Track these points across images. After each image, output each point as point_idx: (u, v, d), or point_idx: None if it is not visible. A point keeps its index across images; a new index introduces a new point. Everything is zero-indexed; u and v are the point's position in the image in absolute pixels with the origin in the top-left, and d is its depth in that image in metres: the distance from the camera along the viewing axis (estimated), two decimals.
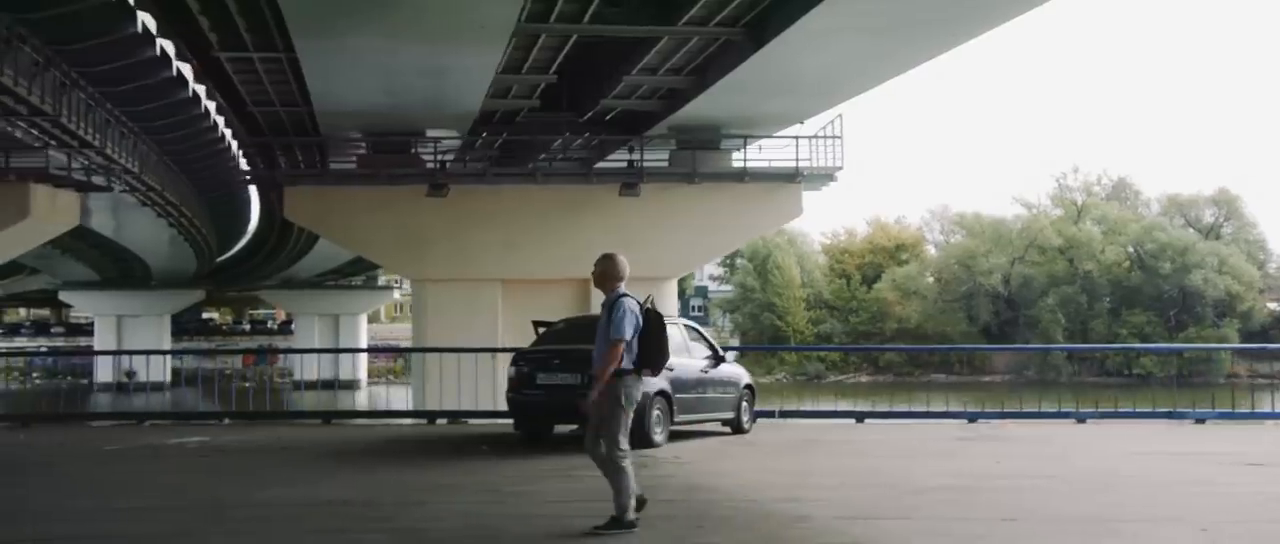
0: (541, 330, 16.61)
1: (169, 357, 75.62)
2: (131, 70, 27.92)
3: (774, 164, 27.68)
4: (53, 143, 27.81)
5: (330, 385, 71.51)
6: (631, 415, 8.18)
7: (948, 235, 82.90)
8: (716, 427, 14.98)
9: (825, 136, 26.89)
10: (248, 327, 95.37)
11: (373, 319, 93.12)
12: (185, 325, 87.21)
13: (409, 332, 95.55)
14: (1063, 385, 55.70)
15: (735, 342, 72.29)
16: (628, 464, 7.94)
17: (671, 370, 13.91)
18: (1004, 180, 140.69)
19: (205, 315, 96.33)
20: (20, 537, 8.22)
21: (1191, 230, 74.59)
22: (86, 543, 8.10)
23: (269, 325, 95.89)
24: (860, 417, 17.19)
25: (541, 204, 27.57)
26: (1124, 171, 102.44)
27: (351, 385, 76.59)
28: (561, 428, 14.36)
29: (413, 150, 28.05)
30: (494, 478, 11.06)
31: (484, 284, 27.36)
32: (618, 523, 7.88)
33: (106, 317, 77.15)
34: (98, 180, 28.72)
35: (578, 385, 13.49)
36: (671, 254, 28.20)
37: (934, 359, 66.47)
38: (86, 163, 28.19)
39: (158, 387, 76.16)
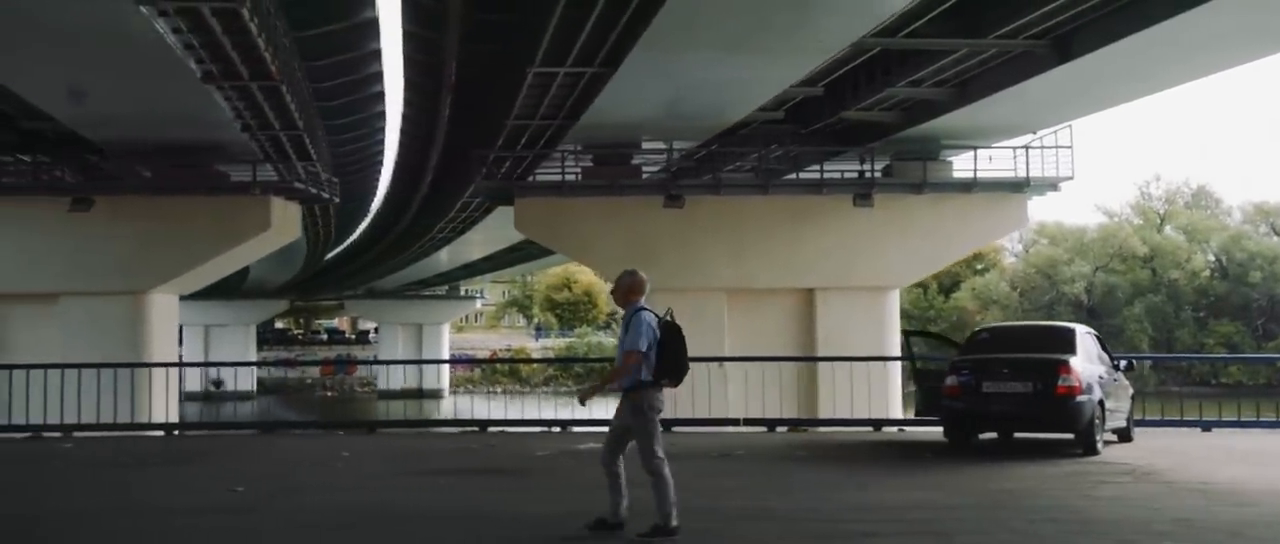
0: (912, 337, 16.97)
1: (254, 366, 76.19)
2: (347, 87, 28.43)
3: (994, 174, 27.93)
4: (275, 155, 28.27)
5: (417, 394, 72.17)
6: (658, 424, 8.33)
7: (1027, 244, 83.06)
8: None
9: (1055, 147, 27.13)
10: (325, 336, 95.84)
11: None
12: (263, 335, 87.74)
13: (485, 341, 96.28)
14: (1149, 394, 55.82)
15: None
16: (667, 471, 8.17)
17: (1102, 379, 14.30)
18: (1084, 189, 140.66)
19: (278, 325, 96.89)
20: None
21: (1277, 238, 74.73)
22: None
23: (348, 336, 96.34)
24: (1207, 425, 17.48)
25: (768, 214, 27.86)
26: (1203, 179, 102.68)
27: (436, 394, 77.14)
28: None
29: (632, 161, 28.44)
30: (1047, 484, 11.34)
31: (710, 294, 27.64)
32: (662, 530, 8.14)
33: (194, 326, 77.59)
34: (325, 194, 29.16)
35: (1030, 394, 13.84)
36: (897, 264, 28.51)
37: None
38: (314, 176, 28.66)
39: (246, 396, 76.64)
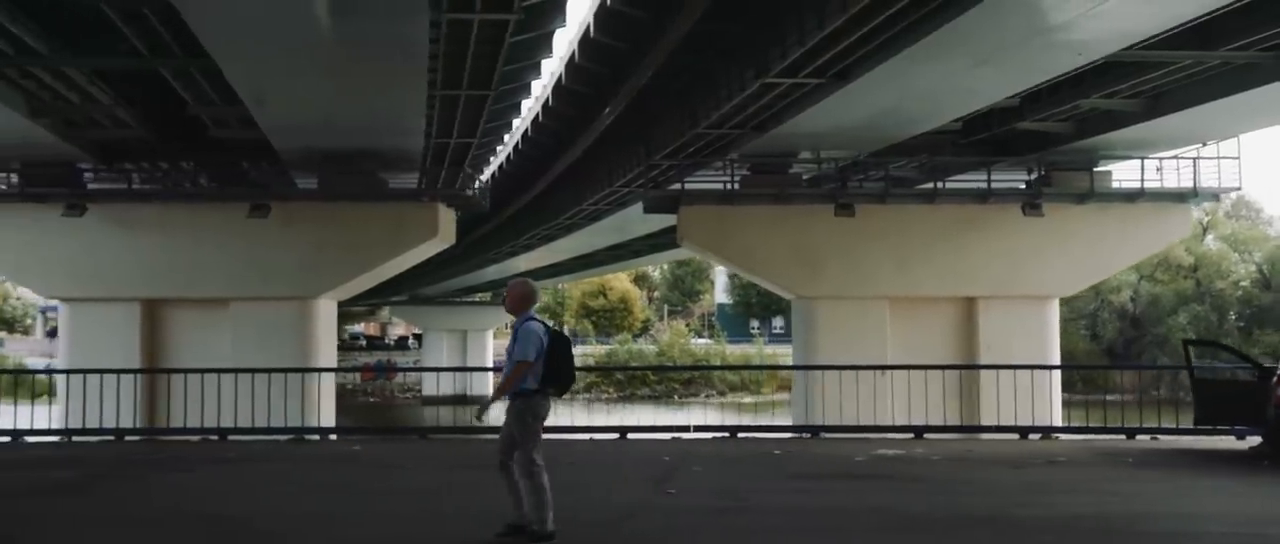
0: (1191, 347, 17.06)
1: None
2: (504, 94, 28.50)
3: (1161, 184, 28.16)
4: (433, 162, 28.31)
5: (461, 400, 71.97)
6: (540, 432, 8.70)
7: None
8: None
9: (1217, 157, 27.39)
10: (364, 342, 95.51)
11: None
12: None
13: None
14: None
15: None
16: (544, 479, 8.49)
17: None
18: None
19: None
20: None
21: None
22: None
23: (386, 341, 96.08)
24: None
25: (932, 222, 28.08)
26: (1242, 189, 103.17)
27: (480, 401, 76.87)
28: None
29: (790, 169, 28.59)
30: None
31: (872, 302, 27.85)
32: (538, 536, 8.45)
33: None
34: (482, 200, 29.30)
35: None
36: (1060, 274, 28.77)
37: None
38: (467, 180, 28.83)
39: None
